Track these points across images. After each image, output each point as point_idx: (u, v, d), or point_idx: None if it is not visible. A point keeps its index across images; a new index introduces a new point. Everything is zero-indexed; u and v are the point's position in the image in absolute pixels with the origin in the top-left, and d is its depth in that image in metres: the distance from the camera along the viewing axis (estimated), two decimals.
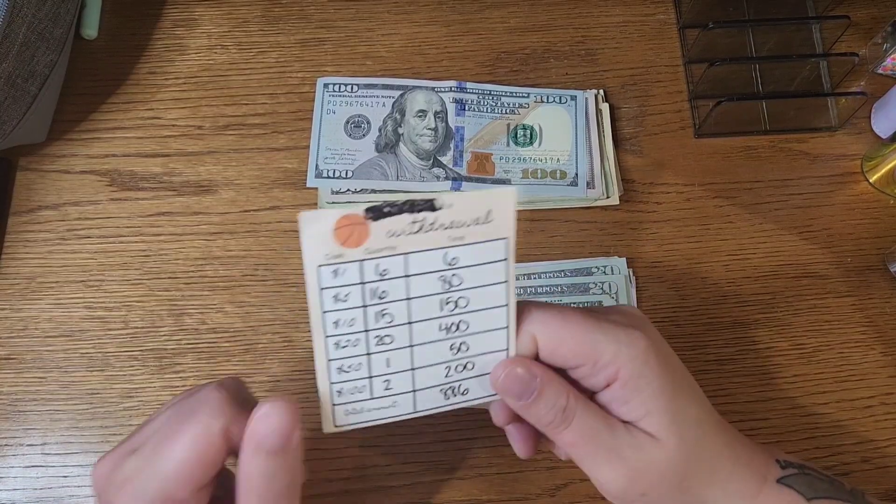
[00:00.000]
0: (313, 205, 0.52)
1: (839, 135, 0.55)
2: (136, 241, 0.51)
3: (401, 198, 0.26)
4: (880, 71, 0.56)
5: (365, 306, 0.27)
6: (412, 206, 0.26)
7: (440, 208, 0.26)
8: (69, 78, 0.55)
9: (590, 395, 0.31)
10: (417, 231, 0.26)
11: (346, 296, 0.27)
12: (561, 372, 0.30)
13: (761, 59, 0.57)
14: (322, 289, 0.26)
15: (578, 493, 0.46)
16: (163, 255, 0.51)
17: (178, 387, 0.48)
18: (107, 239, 0.51)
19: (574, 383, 0.30)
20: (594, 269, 0.50)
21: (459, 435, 0.47)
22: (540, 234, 0.52)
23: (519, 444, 0.33)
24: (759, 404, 0.48)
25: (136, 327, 0.49)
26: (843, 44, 0.57)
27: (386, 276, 0.27)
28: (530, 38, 0.57)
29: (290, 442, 0.25)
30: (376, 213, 0.25)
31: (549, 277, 0.50)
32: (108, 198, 0.52)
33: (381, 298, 0.27)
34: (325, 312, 0.27)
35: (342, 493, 0.46)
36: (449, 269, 0.28)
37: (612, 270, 0.50)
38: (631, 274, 0.51)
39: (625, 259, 0.51)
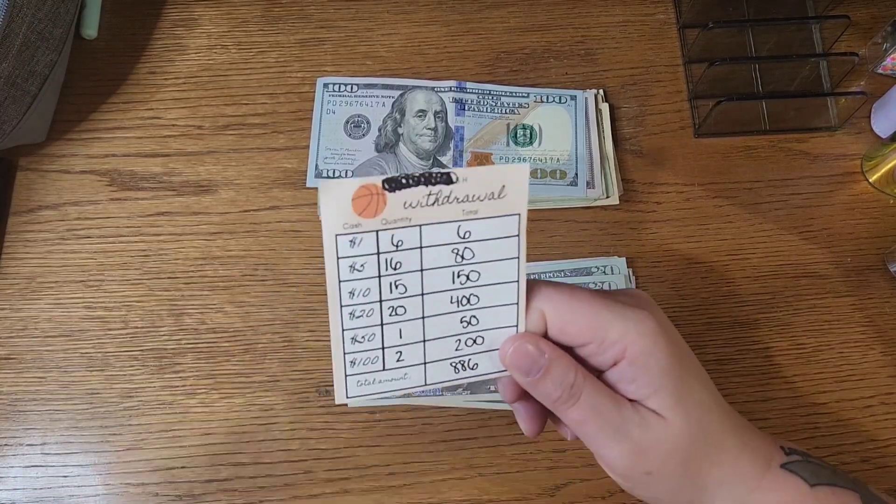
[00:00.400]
0: (313, 205, 0.52)
1: (839, 135, 0.55)
2: (136, 241, 0.51)
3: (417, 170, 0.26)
4: (880, 71, 0.56)
5: (380, 276, 0.28)
6: (429, 179, 0.26)
7: (456, 181, 0.27)
8: (69, 78, 0.55)
9: (597, 373, 0.31)
10: (433, 203, 0.27)
11: (362, 266, 0.28)
12: (568, 350, 0.30)
13: (761, 59, 0.57)
14: (339, 258, 0.27)
15: (578, 493, 0.46)
16: (163, 255, 0.51)
17: (177, 387, 0.48)
18: (107, 239, 0.51)
19: (581, 362, 0.30)
20: (594, 269, 0.50)
21: (459, 435, 0.47)
22: (540, 234, 0.52)
23: (526, 423, 0.34)
24: (759, 404, 0.48)
25: (136, 327, 0.49)
26: (843, 44, 0.57)
27: (401, 247, 0.28)
28: (530, 38, 0.57)
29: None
30: (394, 183, 0.26)
31: (549, 277, 0.50)
32: (108, 198, 0.52)
33: (395, 269, 0.28)
34: (341, 282, 0.28)
35: (342, 492, 0.46)
36: (462, 243, 0.28)
37: (611, 270, 0.50)
38: (631, 274, 0.51)
39: (625, 259, 0.51)
